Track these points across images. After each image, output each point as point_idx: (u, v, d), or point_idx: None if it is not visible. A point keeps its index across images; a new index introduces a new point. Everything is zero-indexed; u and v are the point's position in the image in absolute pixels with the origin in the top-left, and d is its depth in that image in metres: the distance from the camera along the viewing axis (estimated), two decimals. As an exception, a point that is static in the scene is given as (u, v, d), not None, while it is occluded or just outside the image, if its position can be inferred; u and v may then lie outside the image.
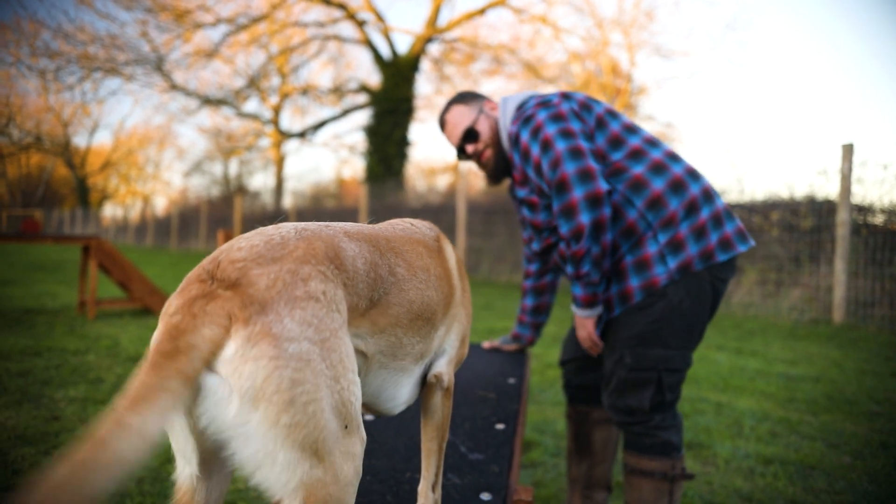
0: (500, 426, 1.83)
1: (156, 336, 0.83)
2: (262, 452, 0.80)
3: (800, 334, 6.30)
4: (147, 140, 40.73)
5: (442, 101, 28.34)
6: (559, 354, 2.41)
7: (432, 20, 17.67)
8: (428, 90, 27.22)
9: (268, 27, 19.08)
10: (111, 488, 0.65)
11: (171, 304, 0.85)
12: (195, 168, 35.68)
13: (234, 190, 32.44)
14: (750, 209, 8.14)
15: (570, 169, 1.78)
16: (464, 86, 26.26)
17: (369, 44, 18.00)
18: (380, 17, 17.72)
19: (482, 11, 17.72)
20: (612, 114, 1.97)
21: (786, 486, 2.58)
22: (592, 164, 1.79)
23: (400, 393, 1.19)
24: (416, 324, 1.14)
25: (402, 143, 17.69)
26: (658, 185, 1.85)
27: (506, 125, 2.08)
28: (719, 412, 3.58)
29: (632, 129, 1.95)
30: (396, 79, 17.55)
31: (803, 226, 7.46)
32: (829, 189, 7.34)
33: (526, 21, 18.61)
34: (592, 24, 20.88)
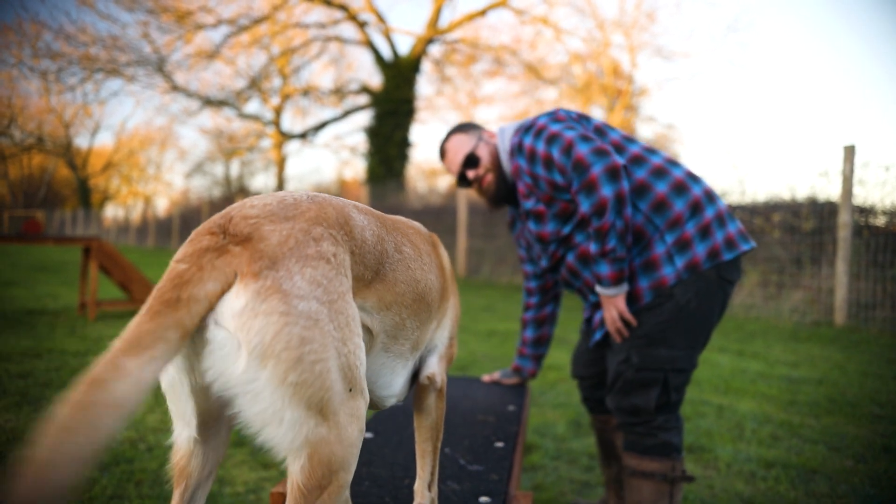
0: (499, 444, 1.83)
1: (160, 282, 0.81)
2: (269, 410, 0.80)
3: (801, 336, 6.28)
4: (148, 141, 40.76)
5: (443, 102, 28.35)
6: (570, 366, 2.43)
7: (433, 21, 17.68)
8: (429, 91, 27.23)
9: (269, 28, 19.09)
10: (111, 434, 0.65)
11: (180, 251, 0.85)
12: (196, 169, 35.70)
13: (236, 191, 32.46)
14: (751, 211, 8.13)
15: (584, 149, 1.81)
16: (465, 87, 26.26)
17: (370, 45, 18.01)
18: (381, 19, 17.73)
19: (483, 12, 17.72)
20: (609, 126, 2.03)
21: (787, 489, 2.57)
22: (604, 144, 1.83)
23: (395, 382, 1.19)
24: (418, 306, 1.14)
25: (403, 145, 17.69)
26: (661, 188, 1.89)
27: (505, 149, 2.12)
28: (720, 415, 3.56)
29: (629, 139, 2.00)
30: (397, 80, 17.55)
31: (805, 227, 7.44)
32: (830, 191, 7.34)
33: (527, 22, 18.62)
34: (594, 25, 20.89)
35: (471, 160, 2.17)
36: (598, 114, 24.38)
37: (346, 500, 0.89)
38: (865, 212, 7.09)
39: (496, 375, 2.59)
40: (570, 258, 2.04)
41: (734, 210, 8.29)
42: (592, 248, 1.87)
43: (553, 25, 18.51)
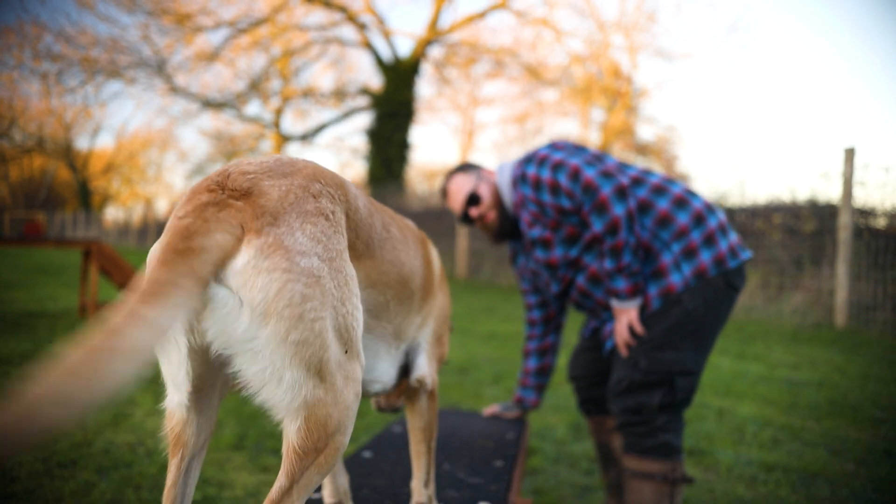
0: (498, 463, 1.84)
1: (163, 238, 0.80)
2: (269, 370, 0.79)
3: (802, 338, 6.27)
4: (149, 143, 40.76)
5: (443, 104, 28.34)
6: (567, 369, 2.46)
7: (433, 23, 17.68)
8: (429, 93, 27.20)
9: (269, 30, 19.09)
10: (126, 381, 0.64)
11: (179, 209, 0.83)
12: (197, 170, 35.68)
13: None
14: (752, 212, 8.12)
15: (591, 172, 1.90)
16: (465, 88, 26.26)
17: (370, 47, 18.02)
18: (381, 20, 17.74)
19: (483, 14, 17.72)
20: (604, 154, 2.13)
21: (788, 493, 2.56)
22: (609, 167, 1.93)
23: (378, 366, 1.18)
24: (401, 289, 1.13)
25: (403, 146, 17.69)
26: (663, 204, 1.97)
27: (506, 183, 2.19)
28: (721, 418, 3.56)
29: (625, 164, 2.10)
30: (397, 82, 17.55)
31: (805, 229, 7.43)
32: (831, 192, 7.32)
33: (527, 24, 18.63)
34: (594, 26, 20.90)
35: (472, 199, 2.24)
36: (598, 115, 24.37)
37: (340, 464, 0.88)
38: (866, 213, 7.08)
39: (496, 409, 2.52)
40: (580, 280, 2.12)
41: (734, 212, 8.29)
42: (607, 264, 1.93)
43: (553, 27, 18.51)
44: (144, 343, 0.66)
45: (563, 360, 4.78)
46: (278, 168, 0.89)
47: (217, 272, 0.78)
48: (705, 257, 1.94)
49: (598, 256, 2.01)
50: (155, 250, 0.79)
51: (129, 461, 2.66)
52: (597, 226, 1.90)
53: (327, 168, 0.99)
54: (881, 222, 7.07)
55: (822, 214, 7.31)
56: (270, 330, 0.78)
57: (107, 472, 2.52)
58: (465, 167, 2.34)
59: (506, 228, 2.25)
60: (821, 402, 3.87)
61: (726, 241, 1.98)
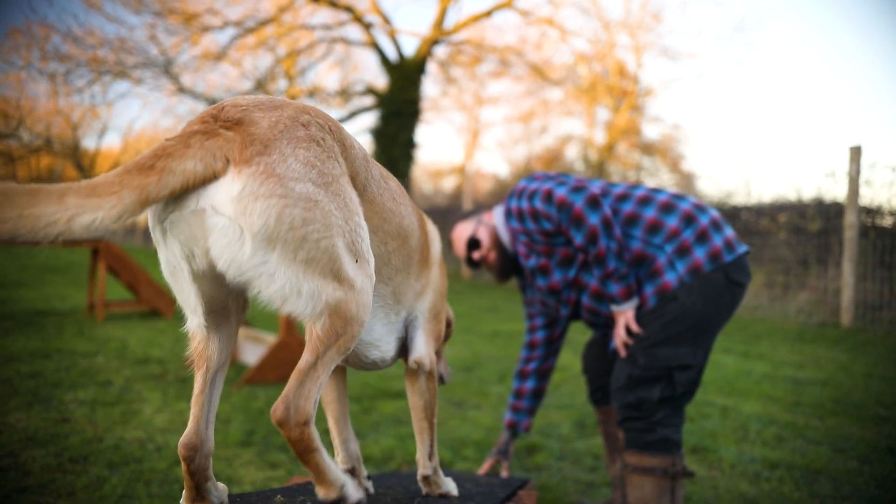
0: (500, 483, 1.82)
1: (143, 153, 0.81)
2: (287, 286, 0.84)
3: (807, 337, 6.27)
4: (155, 142, 40.88)
5: (448, 103, 28.31)
6: (581, 361, 2.51)
7: (439, 22, 17.70)
8: (434, 92, 27.19)
9: (275, 30, 19.14)
10: (10, 235, 0.67)
11: (172, 137, 0.85)
12: (203, 170, 35.78)
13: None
14: (757, 211, 8.12)
15: (562, 191, 2.00)
16: (470, 87, 26.25)
17: (376, 46, 18.05)
18: (386, 20, 17.77)
19: (489, 14, 17.72)
20: (588, 179, 2.21)
21: (791, 490, 2.58)
22: (581, 182, 2.02)
23: (375, 328, 1.19)
24: (402, 243, 1.15)
25: (409, 145, 17.71)
26: (650, 213, 2.04)
27: (500, 223, 2.31)
28: (725, 416, 3.57)
29: (611, 184, 2.19)
30: (403, 81, 17.57)
31: (811, 228, 7.42)
32: (837, 191, 7.31)
33: (532, 23, 18.61)
34: (599, 26, 20.86)
35: (472, 243, 2.36)
36: (603, 114, 24.33)
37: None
38: (872, 212, 7.06)
39: (489, 463, 2.41)
40: (585, 300, 2.19)
41: (740, 211, 8.28)
42: (596, 272, 2.02)
43: (558, 26, 18.50)
44: (47, 221, 0.68)
45: (569, 359, 4.80)
46: (269, 102, 0.92)
47: (181, 198, 0.80)
48: (699, 254, 1.98)
49: (594, 273, 2.09)
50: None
51: (140, 457, 2.69)
52: (578, 238, 1.99)
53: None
54: (887, 221, 7.05)
55: (828, 213, 7.30)
56: (279, 253, 0.82)
57: (117, 468, 2.56)
58: (466, 214, 2.49)
59: (507, 266, 2.34)
60: (825, 401, 3.88)
61: (721, 236, 2.02)
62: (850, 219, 6.73)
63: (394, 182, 1.18)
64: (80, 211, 0.70)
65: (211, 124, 0.85)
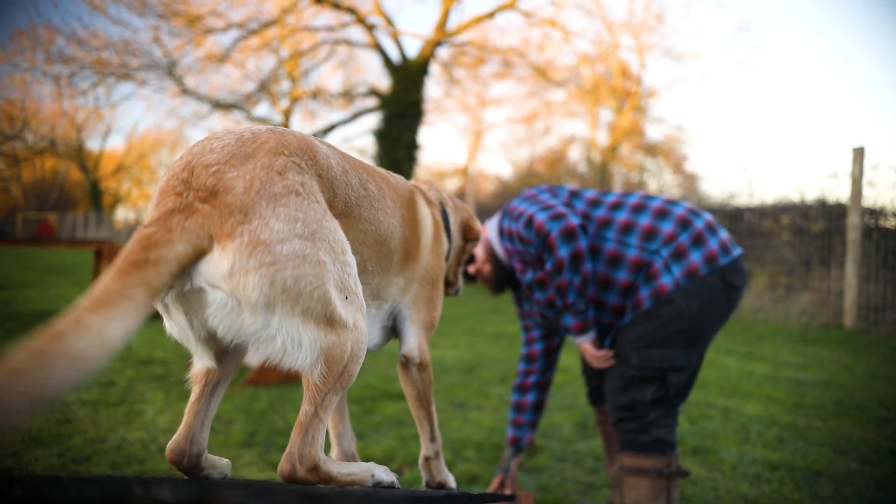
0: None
1: (127, 246, 0.81)
2: (288, 341, 0.87)
3: (810, 339, 6.26)
4: (159, 144, 41.01)
5: (452, 105, 28.32)
6: (581, 362, 2.51)
7: (442, 24, 17.72)
8: (437, 93, 27.21)
9: (278, 32, 19.19)
10: (65, 386, 0.64)
11: (147, 217, 0.85)
12: (206, 171, 35.81)
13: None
14: (760, 212, 8.10)
15: (542, 217, 2.01)
16: (473, 89, 26.24)
17: (379, 48, 18.08)
18: (389, 22, 17.79)
19: (491, 15, 17.73)
20: (583, 188, 2.24)
21: (792, 492, 2.58)
22: (561, 208, 2.02)
23: None
24: (379, 249, 1.15)
25: (412, 147, 17.73)
26: (644, 220, 2.06)
27: (495, 237, 2.31)
28: (727, 417, 3.57)
29: (604, 193, 2.21)
30: (406, 82, 17.59)
31: (814, 229, 7.41)
32: (840, 192, 7.30)
33: (535, 24, 18.61)
34: (602, 27, 20.85)
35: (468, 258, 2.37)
36: (606, 115, 24.32)
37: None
38: (875, 213, 7.04)
39: (498, 478, 2.44)
40: (545, 294, 2.18)
41: (743, 212, 8.27)
42: (557, 302, 2.07)
43: (561, 27, 18.49)
44: (86, 351, 0.67)
45: (570, 360, 4.80)
46: (240, 150, 0.89)
47: (174, 282, 0.82)
48: (695, 257, 1.99)
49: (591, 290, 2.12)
50: (118, 255, 0.82)
51: (142, 457, 2.71)
52: (547, 265, 2.02)
53: (291, 132, 0.99)
54: (890, 222, 7.03)
55: (831, 214, 7.28)
56: (278, 314, 0.85)
57: (120, 468, 2.58)
58: None
59: (502, 278, 2.35)
60: (827, 402, 3.88)
61: (716, 240, 2.03)
62: (853, 220, 6.72)
63: (374, 184, 1.16)
64: (104, 326, 0.70)
65: (184, 198, 0.84)
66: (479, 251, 2.36)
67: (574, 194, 2.19)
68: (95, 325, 0.69)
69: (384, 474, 1.02)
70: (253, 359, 0.88)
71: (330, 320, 0.90)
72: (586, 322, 2.07)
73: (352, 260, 0.97)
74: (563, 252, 1.96)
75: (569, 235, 1.96)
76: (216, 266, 0.82)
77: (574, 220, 1.98)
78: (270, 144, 0.91)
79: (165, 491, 0.44)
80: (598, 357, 2.12)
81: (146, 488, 0.43)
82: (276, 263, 0.83)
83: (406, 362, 1.34)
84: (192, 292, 0.85)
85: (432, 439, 1.42)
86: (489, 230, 2.36)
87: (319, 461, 0.92)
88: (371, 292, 1.19)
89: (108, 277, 0.76)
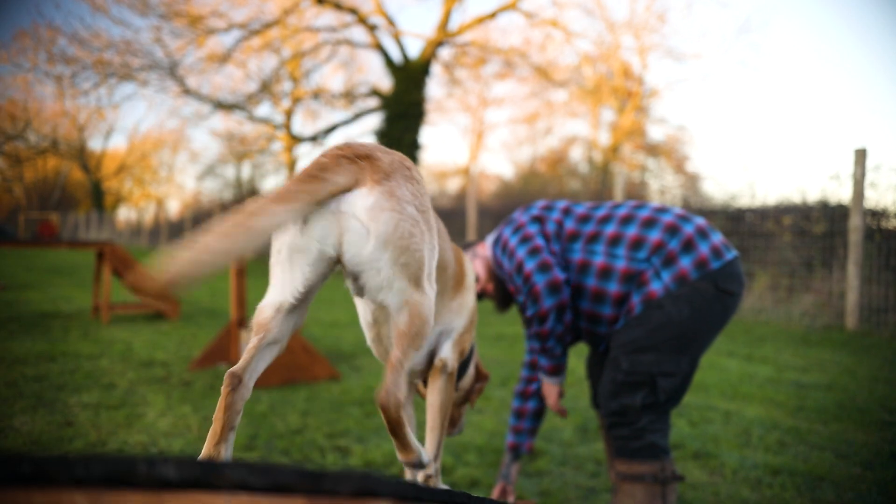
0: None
1: (305, 167, 1.08)
2: (385, 281, 1.10)
3: (812, 341, 6.25)
4: (161, 144, 41.05)
5: (453, 105, 28.33)
6: (585, 367, 2.53)
7: (443, 24, 17.71)
8: (439, 94, 27.23)
9: (280, 32, 19.20)
10: (249, 248, 0.94)
11: (320, 155, 1.12)
12: (208, 171, 35.91)
13: (247, 193, 32.64)
14: (762, 214, 8.09)
15: (529, 265, 2.07)
16: (475, 89, 26.23)
17: (380, 48, 18.08)
18: (391, 22, 17.79)
19: (493, 15, 17.73)
20: (574, 203, 2.28)
21: (793, 496, 2.58)
22: (548, 258, 2.08)
23: None
24: (441, 273, 1.38)
25: (413, 147, 17.73)
26: (631, 230, 2.08)
27: (496, 256, 2.33)
28: (728, 421, 3.56)
29: (595, 206, 2.24)
30: (407, 83, 17.60)
31: (816, 231, 7.40)
32: (841, 194, 7.29)
33: (537, 25, 18.60)
34: (604, 27, 20.84)
35: None
36: (608, 116, 24.31)
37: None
38: (877, 215, 7.03)
39: (500, 485, 2.45)
40: (582, 323, 2.20)
41: (744, 213, 8.26)
42: (534, 343, 2.14)
43: (563, 28, 18.48)
44: (266, 227, 0.97)
45: (571, 362, 4.80)
46: (382, 147, 1.19)
47: (329, 200, 1.07)
48: (685, 262, 1.99)
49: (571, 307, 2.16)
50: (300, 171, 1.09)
51: (143, 460, 2.71)
52: (529, 311, 2.09)
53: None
54: (892, 224, 7.02)
55: (833, 216, 7.27)
56: (388, 254, 1.08)
57: (120, 471, 2.58)
58: (463, 247, 2.47)
59: (505, 296, 2.37)
60: (828, 405, 3.87)
61: (707, 244, 2.02)
62: (855, 221, 6.71)
63: (438, 223, 1.39)
64: (281, 212, 0.99)
65: (346, 153, 1.12)
66: (479, 270, 2.39)
67: (566, 212, 2.22)
68: (277, 210, 0.98)
69: (425, 457, 1.18)
70: (352, 288, 1.05)
71: (418, 282, 1.12)
72: (560, 367, 2.17)
73: (437, 252, 1.20)
74: (548, 303, 2.04)
75: (554, 289, 2.03)
76: (362, 200, 1.07)
77: (560, 275, 2.05)
78: (399, 154, 1.20)
79: (169, 469, 0.46)
80: (554, 405, 2.24)
81: (150, 467, 0.46)
82: (402, 213, 1.08)
83: (442, 366, 1.48)
84: (336, 214, 1.08)
85: (436, 457, 1.48)
86: (488, 249, 2.36)
87: (402, 404, 1.12)
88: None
89: (289, 182, 1.04)
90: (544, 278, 2.03)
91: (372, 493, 0.53)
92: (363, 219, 1.07)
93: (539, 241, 2.13)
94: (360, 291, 1.15)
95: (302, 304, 1.18)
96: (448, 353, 1.49)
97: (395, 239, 1.07)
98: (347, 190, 1.08)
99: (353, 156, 1.11)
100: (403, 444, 1.15)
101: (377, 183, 1.08)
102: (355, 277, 1.13)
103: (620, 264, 2.05)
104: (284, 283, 1.14)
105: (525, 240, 2.15)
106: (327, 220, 1.09)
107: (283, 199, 1.00)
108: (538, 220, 2.20)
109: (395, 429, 1.13)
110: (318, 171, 1.06)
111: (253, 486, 0.48)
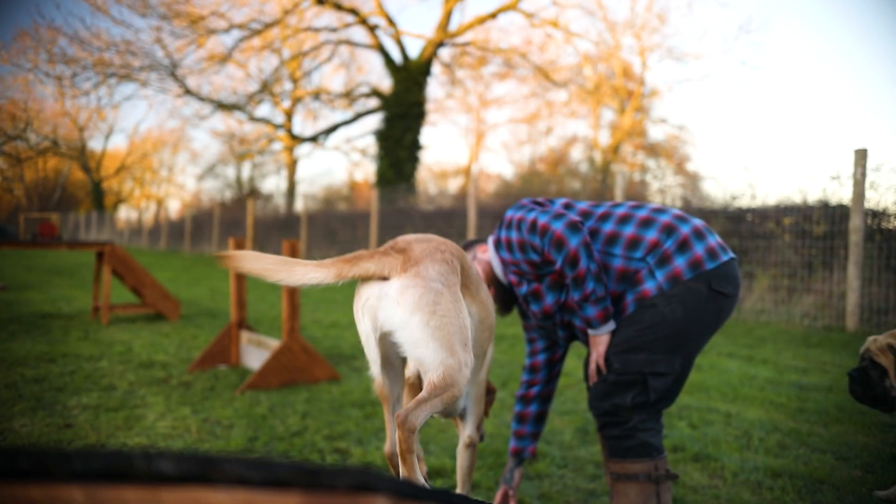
0: None
1: (355, 252, 1.42)
2: (420, 341, 1.33)
3: (812, 342, 6.24)
4: (161, 144, 41.06)
5: (453, 105, 28.33)
6: (583, 369, 2.49)
7: (443, 24, 17.71)
8: (439, 94, 27.25)
9: (280, 32, 19.20)
10: (281, 281, 1.35)
11: (367, 250, 1.43)
12: (208, 171, 35.94)
13: (247, 193, 32.63)
14: (762, 214, 8.08)
15: (543, 218, 2.03)
16: (475, 89, 26.23)
17: (381, 48, 18.08)
18: (391, 22, 17.79)
19: (493, 15, 17.73)
20: (574, 200, 2.25)
21: (794, 500, 2.57)
22: (560, 209, 2.08)
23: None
24: (489, 335, 1.73)
25: (414, 147, 17.74)
26: (629, 230, 2.06)
27: (494, 256, 2.30)
28: (728, 423, 3.56)
29: (595, 205, 2.21)
30: (408, 83, 17.60)
31: (816, 231, 7.39)
32: (842, 194, 7.28)
33: (537, 25, 18.60)
34: (604, 27, 20.83)
35: None
36: (608, 116, 24.28)
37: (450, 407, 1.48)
38: (878, 215, 7.03)
39: (500, 494, 2.41)
40: (578, 322, 2.19)
41: (744, 213, 8.26)
42: (574, 296, 2.02)
43: (563, 28, 18.47)
44: (301, 279, 1.34)
45: (571, 364, 4.79)
46: (424, 238, 1.51)
47: (360, 279, 1.41)
48: (679, 262, 1.98)
49: (567, 289, 2.10)
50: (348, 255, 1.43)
51: (142, 463, 2.70)
52: (558, 261, 2.00)
53: (453, 244, 1.58)
54: (893, 224, 7.01)
55: (834, 216, 7.26)
56: (417, 318, 1.33)
57: (120, 474, 2.57)
58: (464, 246, 2.44)
59: (506, 297, 2.35)
60: (829, 407, 3.86)
61: (703, 245, 2.00)
62: (856, 222, 6.70)
63: (487, 294, 1.73)
64: (314, 275, 1.35)
65: (388, 250, 1.44)
66: (480, 273, 2.36)
67: (567, 206, 2.20)
68: (313, 272, 1.35)
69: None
70: (403, 353, 1.48)
71: (451, 348, 1.32)
72: (608, 310, 2.02)
73: (468, 322, 1.43)
74: (574, 242, 1.95)
75: (574, 227, 1.97)
76: (395, 284, 1.37)
77: (575, 217, 2.02)
78: (438, 241, 1.51)
79: (167, 464, 0.46)
80: (601, 357, 2.09)
81: (149, 462, 0.46)
82: (425, 288, 1.35)
83: (470, 444, 1.83)
84: (379, 298, 1.38)
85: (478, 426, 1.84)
86: (489, 251, 2.35)
87: (415, 431, 1.29)
88: (474, 367, 1.62)
89: (335, 258, 1.38)
90: (562, 222, 1.99)
91: (369, 489, 0.53)
92: (394, 295, 1.36)
93: (548, 206, 2.13)
94: (401, 350, 1.38)
95: (390, 368, 1.50)
96: (471, 431, 1.82)
97: (421, 305, 1.33)
98: (383, 278, 1.38)
99: (390, 250, 1.43)
100: (408, 469, 1.30)
101: (405, 271, 1.37)
102: (394, 340, 1.38)
103: (616, 263, 2.04)
104: (372, 361, 1.47)
105: (530, 209, 2.12)
106: (371, 306, 1.40)
107: (320, 265, 1.36)
108: (539, 204, 2.19)
109: (404, 452, 1.30)
110: (353, 257, 1.39)
111: (250, 481, 0.48)
